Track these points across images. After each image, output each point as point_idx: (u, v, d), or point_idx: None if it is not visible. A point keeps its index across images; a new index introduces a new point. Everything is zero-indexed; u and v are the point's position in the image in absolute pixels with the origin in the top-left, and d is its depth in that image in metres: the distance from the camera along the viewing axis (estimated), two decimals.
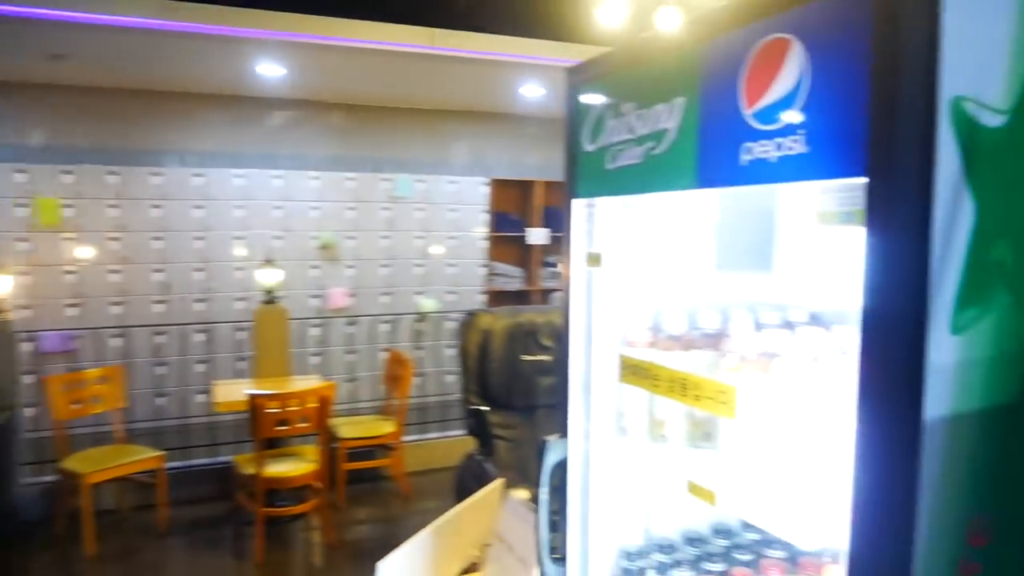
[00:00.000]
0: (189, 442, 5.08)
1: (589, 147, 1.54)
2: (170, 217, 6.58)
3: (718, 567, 1.49)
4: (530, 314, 4.02)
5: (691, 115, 1.25)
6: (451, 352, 7.21)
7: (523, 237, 7.92)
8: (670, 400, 1.44)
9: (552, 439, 1.64)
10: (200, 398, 6.18)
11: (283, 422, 3.97)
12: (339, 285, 7.12)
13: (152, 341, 6.12)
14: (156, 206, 6.56)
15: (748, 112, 1.12)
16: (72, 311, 6.26)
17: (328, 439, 4.24)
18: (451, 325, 7.37)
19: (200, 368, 6.26)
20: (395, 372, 5.07)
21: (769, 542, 1.57)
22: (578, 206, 1.61)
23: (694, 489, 1.24)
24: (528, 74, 6.15)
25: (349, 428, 4.58)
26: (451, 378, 7.27)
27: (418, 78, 6.34)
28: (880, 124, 0.93)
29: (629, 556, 1.62)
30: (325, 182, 7.09)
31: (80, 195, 6.35)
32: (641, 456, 1.51)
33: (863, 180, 0.95)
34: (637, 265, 1.58)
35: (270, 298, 5.04)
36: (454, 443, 5.59)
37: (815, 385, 1.14)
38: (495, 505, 2.47)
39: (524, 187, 7.96)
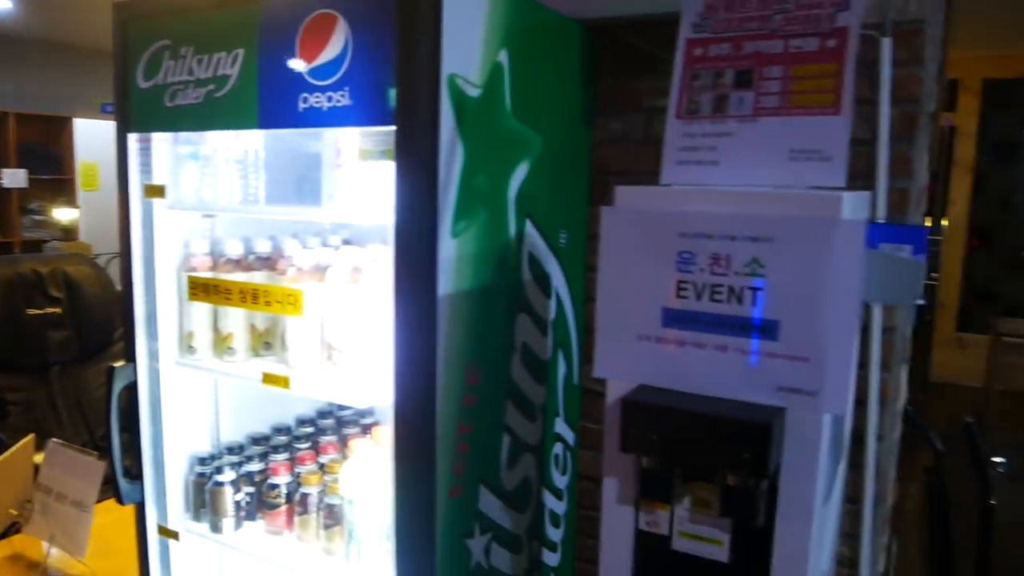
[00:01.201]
0: None
1: (144, 84, 1.63)
2: None
3: (281, 456, 1.77)
4: (31, 263, 3.67)
5: (250, 65, 1.47)
6: None
7: None
8: (239, 314, 1.67)
9: (119, 365, 1.72)
10: None
11: None
12: None
13: None
14: None
15: (304, 68, 1.40)
16: None
17: None
18: None
19: None
20: None
21: (323, 430, 1.92)
22: (132, 140, 1.69)
23: (268, 379, 1.50)
24: None
25: None
26: None
27: None
28: (403, 91, 1.29)
29: (201, 461, 1.80)
30: None
31: None
32: (209, 370, 1.70)
33: (393, 128, 1.31)
34: (194, 198, 1.74)
35: None
36: None
37: (360, 285, 1.50)
38: (26, 463, 2.37)
39: None
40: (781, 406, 0.94)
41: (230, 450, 1.84)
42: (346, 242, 1.94)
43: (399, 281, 1.31)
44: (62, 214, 5.39)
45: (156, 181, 1.70)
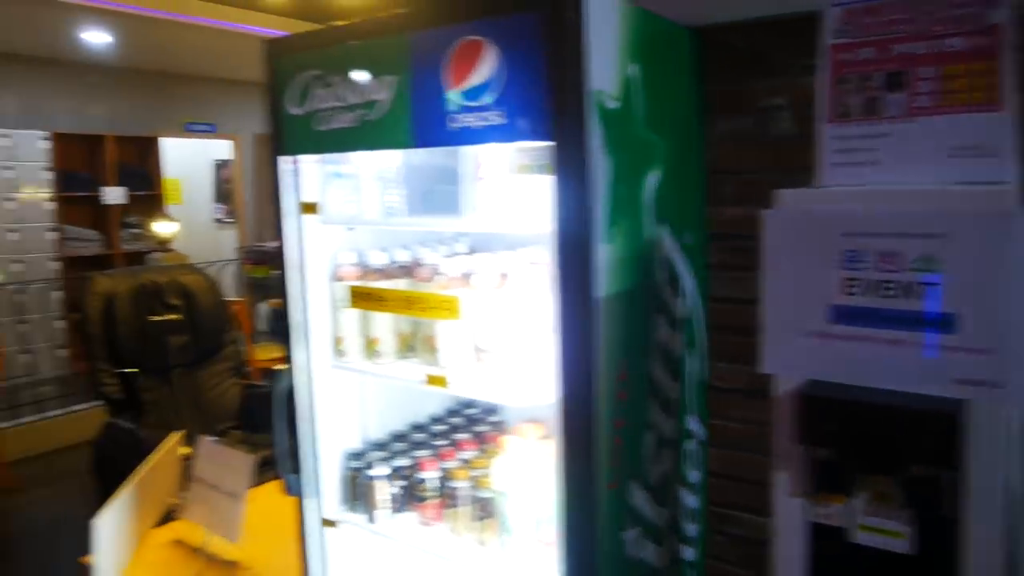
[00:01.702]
0: None
1: (295, 111, 1.76)
2: None
3: (426, 451, 1.89)
4: (150, 274, 3.91)
5: (403, 90, 1.58)
6: (26, 328, 6.40)
7: (97, 197, 7.25)
8: (386, 319, 1.78)
9: (280, 369, 1.86)
10: None
11: None
12: None
13: None
14: None
15: (454, 91, 1.50)
16: None
17: None
18: (23, 299, 6.51)
19: None
20: None
21: (457, 427, 2.03)
22: (285, 162, 1.82)
23: (432, 380, 1.61)
24: (89, 18, 5.64)
25: None
26: (28, 357, 6.46)
27: None
28: (556, 108, 1.38)
29: (352, 457, 1.93)
30: None
31: None
32: (373, 373, 1.82)
33: (542, 143, 1.40)
34: (339, 213, 1.86)
35: None
36: (62, 422, 5.09)
37: (506, 289, 1.60)
38: (176, 457, 2.56)
39: (92, 142, 7.26)
40: (961, 398, 0.99)
41: (377, 446, 1.97)
42: (471, 249, 2.04)
43: (560, 285, 1.40)
44: (161, 227, 5.69)
45: (306, 199, 1.83)
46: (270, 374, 1.88)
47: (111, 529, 2.03)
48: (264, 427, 3.61)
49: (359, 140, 1.66)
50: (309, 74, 1.73)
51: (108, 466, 3.44)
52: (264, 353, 5.25)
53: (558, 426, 1.41)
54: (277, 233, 1.85)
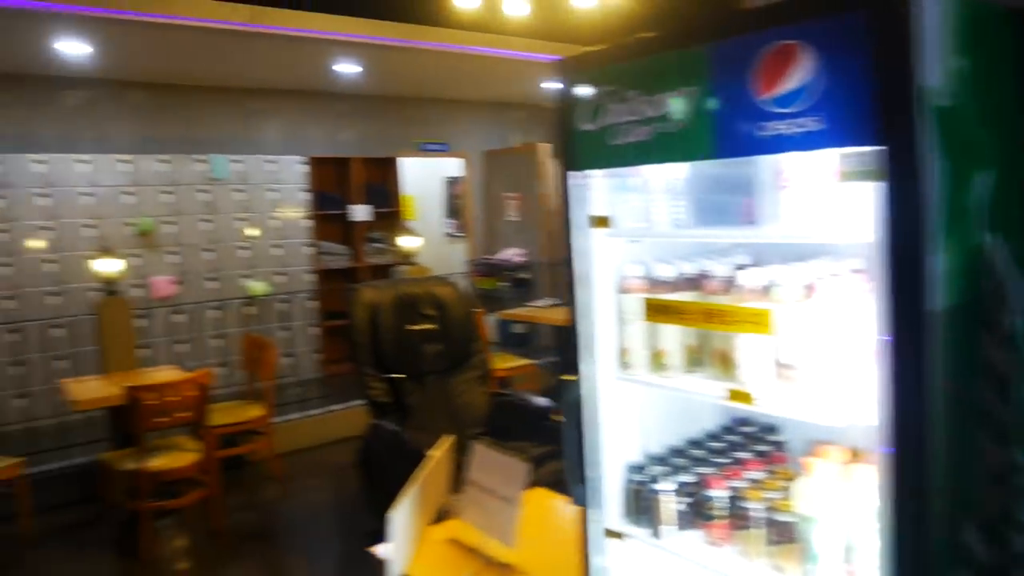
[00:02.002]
0: (38, 445, 4.67)
1: (588, 127, 1.80)
2: None
3: (713, 468, 1.85)
4: (407, 286, 4.20)
5: (703, 100, 1.56)
6: (286, 335, 7.13)
7: (345, 215, 7.94)
8: (673, 332, 1.77)
9: (567, 379, 1.91)
10: (50, 398, 5.69)
11: (161, 414, 3.84)
12: (162, 273, 6.73)
13: None
14: None
15: (764, 98, 1.45)
16: None
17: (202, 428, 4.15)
18: (284, 307, 7.26)
19: (12, 371, 5.70)
20: (256, 356, 4.99)
21: (736, 445, 1.97)
22: (575, 177, 1.87)
23: (735, 395, 1.58)
24: (343, 52, 6.19)
25: (217, 415, 4.48)
26: (291, 360, 7.19)
27: (233, 55, 6.14)
28: (888, 110, 1.30)
29: (634, 470, 1.93)
30: (137, 165, 6.65)
31: None
32: (645, 384, 1.82)
33: (875, 148, 1.31)
34: (625, 225, 1.88)
35: (112, 289, 4.73)
36: (322, 420, 5.62)
37: (814, 302, 1.52)
38: (448, 459, 2.70)
39: (341, 165, 7.97)
40: None
41: (657, 460, 1.95)
42: (754, 261, 1.98)
43: (888, 297, 1.31)
44: (406, 242, 6.12)
45: (596, 212, 1.86)
46: (562, 385, 1.92)
47: (402, 523, 2.18)
48: (512, 434, 3.75)
49: (655, 153, 1.66)
50: (603, 90, 1.76)
51: (373, 463, 3.73)
52: (502, 362, 5.45)
53: (882, 451, 1.32)
54: (566, 247, 1.89)
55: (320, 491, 5.03)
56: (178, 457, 4.03)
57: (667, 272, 1.84)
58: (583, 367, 1.89)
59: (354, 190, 7.98)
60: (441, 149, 8.59)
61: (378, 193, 8.17)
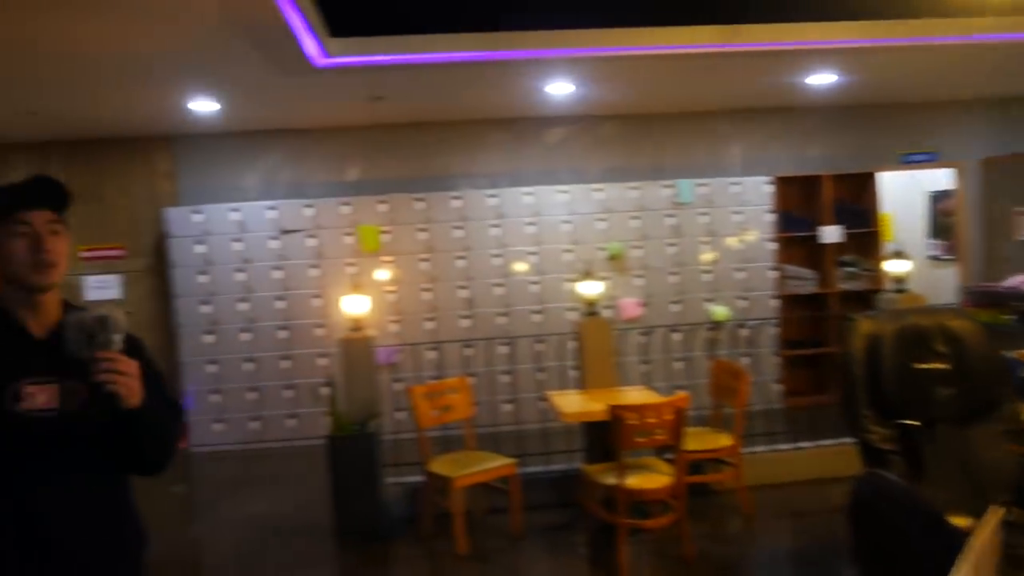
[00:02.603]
0: (525, 449, 5.15)
1: None
2: (471, 237, 6.89)
3: None
4: (914, 317, 3.60)
5: None
6: (746, 361, 6.86)
7: (813, 237, 7.39)
8: None
9: None
10: (533, 406, 6.39)
11: (641, 434, 3.86)
12: (629, 295, 7.03)
13: (462, 354, 6.35)
14: (458, 227, 6.88)
15: None
16: (394, 327, 6.73)
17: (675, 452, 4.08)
18: (745, 333, 7.01)
19: (504, 379, 6.44)
20: (726, 382, 4.82)
21: None
22: None
23: None
24: (818, 61, 5.72)
25: (688, 440, 4.38)
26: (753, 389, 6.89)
27: (700, 79, 6.11)
28: None
29: None
30: (608, 193, 7.06)
31: (394, 222, 6.82)
32: None
33: None
34: None
35: (592, 310, 5.00)
36: (790, 456, 5.23)
37: None
38: (994, 537, 2.13)
39: (809, 183, 7.45)
40: None
41: None
42: None
43: None
44: (892, 266, 5.38)
45: None
46: None
47: None
48: None
49: None
50: None
51: (868, 516, 3.23)
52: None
53: None
54: None
55: (789, 533, 4.62)
56: (653, 478, 4.03)
57: None
58: None
59: (823, 210, 7.39)
60: (929, 159, 7.52)
61: (850, 212, 7.45)
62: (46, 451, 1.60)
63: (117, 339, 1.55)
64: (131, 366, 1.56)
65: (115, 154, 7.02)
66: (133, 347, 1.67)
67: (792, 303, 7.35)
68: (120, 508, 1.77)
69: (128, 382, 1.55)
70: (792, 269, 7.40)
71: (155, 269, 7.00)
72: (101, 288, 6.95)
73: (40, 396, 1.59)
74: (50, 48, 4.31)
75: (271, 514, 5.24)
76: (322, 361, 6.72)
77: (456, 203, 6.90)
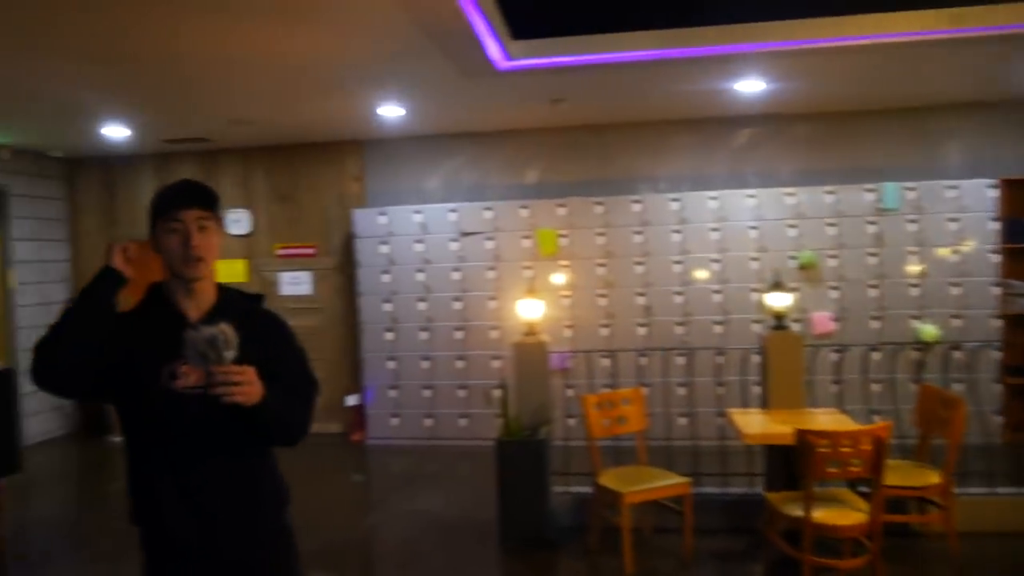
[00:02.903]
0: (699, 467, 4.85)
1: None
2: (650, 242, 6.66)
3: None
4: None
5: None
6: (959, 388, 6.08)
7: None
8: None
9: None
10: (711, 422, 6.07)
11: (833, 464, 3.48)
12: (822, 309, 6.48)
13: (636, 363, 6.12)
14: (637, 232, 6.67)
15: None
16: (568, 332, 6.64)
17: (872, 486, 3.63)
18: (959, 356, 6.22)
19: (679, 391, 6.13)
20: (935, 411, 4.26)
21: None
22: None
23: None
24: None
25: (887, 474, 3.90)
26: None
27: (916, 70, 5.49)
28: None
29: None
30: (801, 198, 6.55)
31: (572, 225, 6.74)
32: None
33: None
34: None
35: (780, 323, 4.61)
36: (1013, 502, 4.56)
37: None
38: None
39: None
40: None
41: None
42: None
43: None
44: None
45: None
46: None
47: None
48: None
49: None
50: None
51: None
52: None
53: None
54: None
55: None
56: (845, 514, 3.61)
57: None
58: None
59: None
60: None
61: None
62: (198, 426, 1.78)
63: (229, 355, 1.65)
64: (245, 373, 1.68)
65: (309, 158, 7.49)
66: (272, 329, 1.93)
67: (1017, 324, 6.46)
68: (260, 473, 1.92)
69: (243, 389, 1.67)
70: (1019, 285, 6.49)
71: (343, 268, 7.37)
72: (295, 284, 7.42)
73: (193, 375, 1.76)
74: (260, 62, 4.61)
75: (439, 511, 5.31)
76: (495, 363, 6.75)
77: (636, 207, 6.70)
